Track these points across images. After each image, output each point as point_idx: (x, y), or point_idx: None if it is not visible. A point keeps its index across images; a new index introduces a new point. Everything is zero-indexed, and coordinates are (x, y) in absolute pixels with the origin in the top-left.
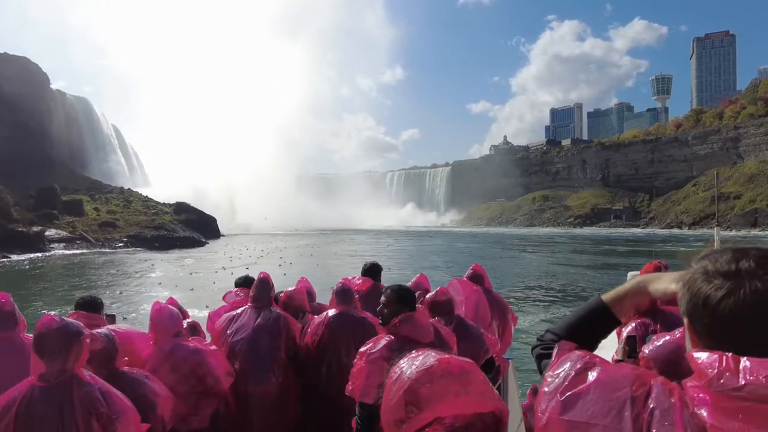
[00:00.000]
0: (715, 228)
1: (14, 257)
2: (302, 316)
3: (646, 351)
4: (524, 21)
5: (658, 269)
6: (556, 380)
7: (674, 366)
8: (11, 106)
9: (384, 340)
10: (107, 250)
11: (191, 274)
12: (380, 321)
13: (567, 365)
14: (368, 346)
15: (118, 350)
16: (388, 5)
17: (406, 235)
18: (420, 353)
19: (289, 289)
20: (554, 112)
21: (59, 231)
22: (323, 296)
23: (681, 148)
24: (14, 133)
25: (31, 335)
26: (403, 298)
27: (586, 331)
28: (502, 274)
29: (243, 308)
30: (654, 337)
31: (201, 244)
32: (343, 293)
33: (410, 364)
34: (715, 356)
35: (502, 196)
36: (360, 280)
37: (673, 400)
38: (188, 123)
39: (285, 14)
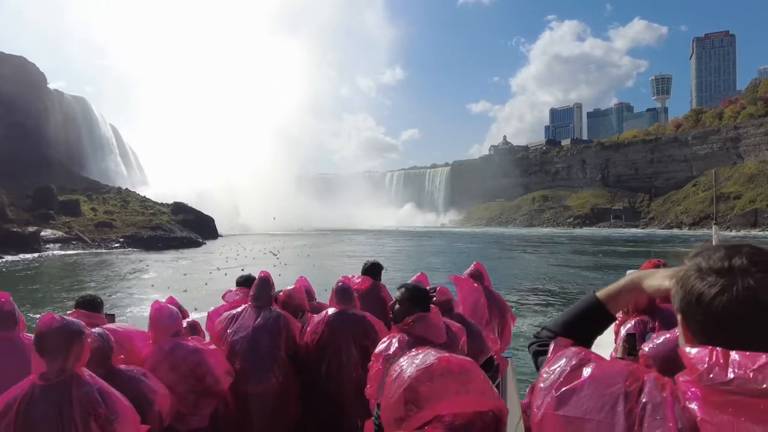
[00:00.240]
0: (714, 226)
1: (8, 258)
2: (301, 315)
3: (646, 349)
4: (524, 21)
5: (656, 267)
6: (552, 376)
7: (673, 363)
8: (8, 106)
9: (397, 339)
10: (103, 250)
11: (185, 275)
12: (391, 318)
13: (562, 361)
14: (383, 346)
15: (113, 348)
16: (388, 5)
17: (405, 235)
18: (420, 351)
19: (288, 288)
20: (554, 112)
21: (55, 231)
22: (320, 298)
23: (681, 148)
24: (11, 133)
25: (31, 335)
26: (417, 297)
27: (581, 327)
28: (502, 275)
29: (243, 307)
30: (654, 335)
31: (198, 245)
32: (342, 292)
33: (410, 363)
34: (706, 351)
35: (501, 197)
36: (359, 279)
37: (665, 395)
38: (188, 123)
39: (285, 14)
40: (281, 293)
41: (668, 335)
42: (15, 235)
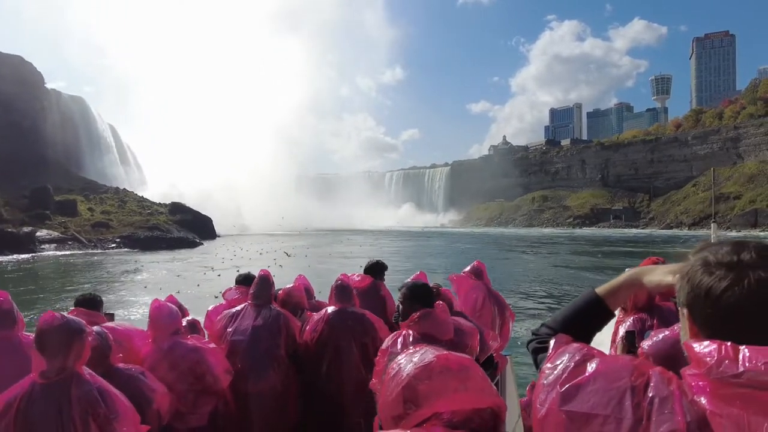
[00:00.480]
0: (712, 225)
1: (2, 258)
2: (301, 314)
3: (645, 346)
4: (524, 21)
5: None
6: (555, 372)
7: (673, 361)
8: (5, 106)
9: (403, 336)
10: (98, 250)
11: (178, 275)
12: (394, 318)
13: (565, 357)
14: (389, 342)
15: (111, 347)
16: (388, 5)
17: (404, 235)
18: (419, 349)
19: (287, 286)
20: (554, 112)
21: (51, 231)
22: (318, 297)
23: (681, 148)
24: (8, 132)
25: (30, 334)
26: (417, 294)
27: (580, 324)
28: (501, 275)
29: (242, 306)
30: (653, 333)
31: (195, 245)
32: (342, 290)
33: (408, 360)
34: (714, 345)
35: (501, 197)
36: (359, 277)
37: (671, 389)
38: (188, 123)
39: (284, 14)
40: (280, 291)
41: (667, 332)
42: (9, 236)
